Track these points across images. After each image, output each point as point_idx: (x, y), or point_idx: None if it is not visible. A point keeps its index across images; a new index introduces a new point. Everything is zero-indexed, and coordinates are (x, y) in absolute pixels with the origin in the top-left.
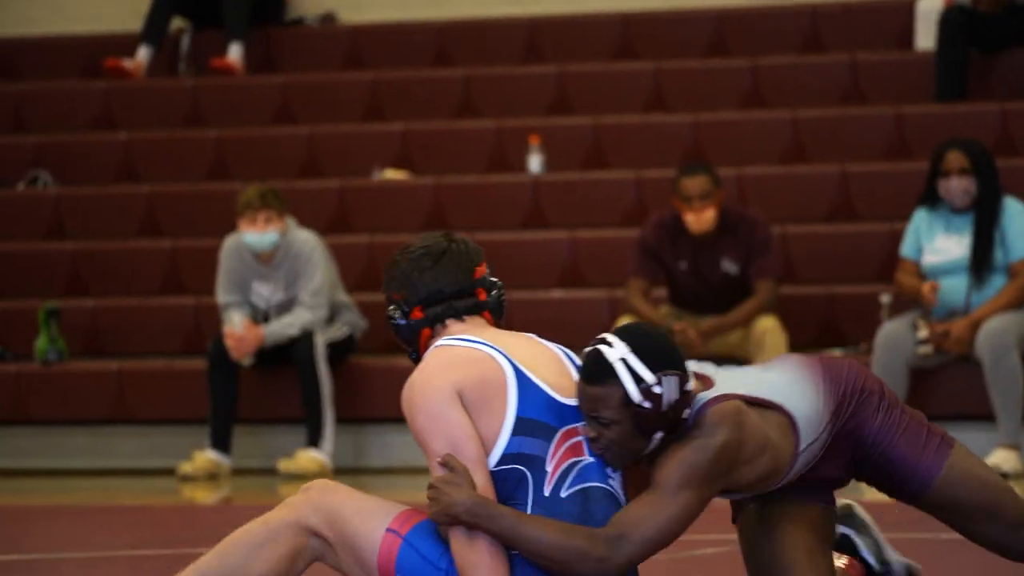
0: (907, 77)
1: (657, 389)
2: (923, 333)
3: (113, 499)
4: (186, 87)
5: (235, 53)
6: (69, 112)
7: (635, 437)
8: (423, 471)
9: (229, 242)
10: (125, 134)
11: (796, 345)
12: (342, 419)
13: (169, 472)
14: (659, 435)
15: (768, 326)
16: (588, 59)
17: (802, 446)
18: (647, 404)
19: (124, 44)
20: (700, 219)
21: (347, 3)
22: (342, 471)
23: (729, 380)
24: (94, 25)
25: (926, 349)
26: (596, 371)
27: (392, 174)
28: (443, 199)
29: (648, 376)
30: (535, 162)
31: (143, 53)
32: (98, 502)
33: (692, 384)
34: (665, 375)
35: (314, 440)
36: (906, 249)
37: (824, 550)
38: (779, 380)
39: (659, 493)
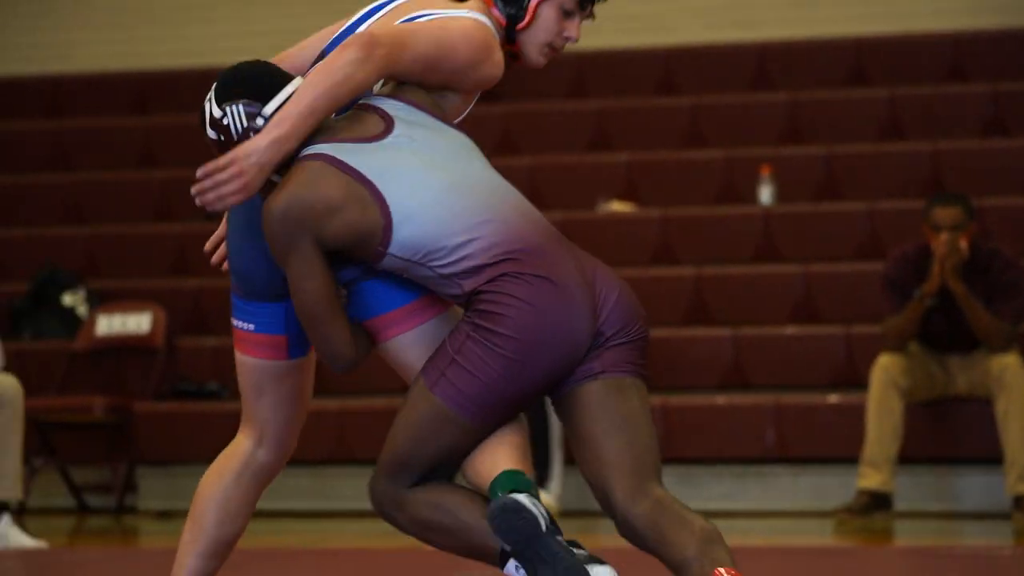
0: None
1: (224, 120)
2: None
3: (331, 541)
4: None
5: None
6: None
7: None
8: None
9: None
10: None
11: None
12: (570, 459)
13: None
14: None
15: (1008, 363)
16: (820, 86)
17: (393, 246)
18: (215, 135)
19: None
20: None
21: None
22: (569, 513)
23: (386, 151)
24: None
25: None
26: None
27: (618, 206)
28: (670, 231)
29: (215, 110)
30: (766, 193)
31: None
32: (315, 544)
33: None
34: (229, 104)
35: (541, 480)
36: None
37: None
38: (428, 178)
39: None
